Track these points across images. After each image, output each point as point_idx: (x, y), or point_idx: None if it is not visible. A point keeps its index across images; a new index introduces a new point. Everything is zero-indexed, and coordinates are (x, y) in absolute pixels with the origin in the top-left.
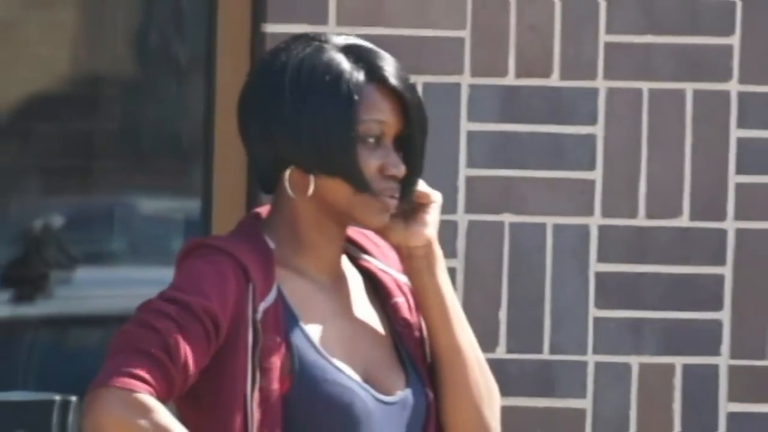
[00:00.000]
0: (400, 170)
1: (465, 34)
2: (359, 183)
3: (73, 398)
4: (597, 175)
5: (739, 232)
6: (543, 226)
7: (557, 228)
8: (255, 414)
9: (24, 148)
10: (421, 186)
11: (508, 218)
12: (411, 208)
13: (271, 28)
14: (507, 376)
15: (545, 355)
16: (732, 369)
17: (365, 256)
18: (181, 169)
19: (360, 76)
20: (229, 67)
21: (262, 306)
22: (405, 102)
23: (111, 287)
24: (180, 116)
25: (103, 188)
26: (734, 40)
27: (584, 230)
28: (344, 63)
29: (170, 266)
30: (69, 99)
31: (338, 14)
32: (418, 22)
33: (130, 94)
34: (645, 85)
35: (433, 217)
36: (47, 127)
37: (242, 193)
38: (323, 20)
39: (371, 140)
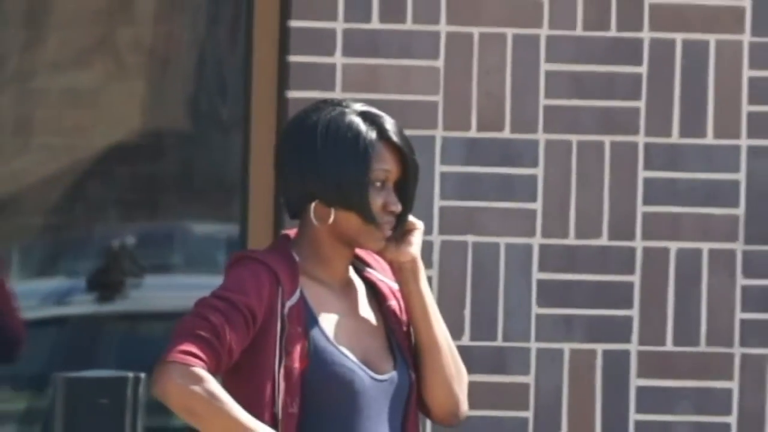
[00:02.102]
0: (398, 208)
1: (438, 98)
2: (368, 216)
3: (142, 375)
4: (538, 205)
5: (645, 250)
6: (497, 244)
7: (508, 246)
8: (281, 385)
9: (106, 185)
10: (409, 217)
11: (471, 238)
12: (401, 233)
13: (292, 94)
14: (470, 358)
15: (499, 342)
16: (640, 353)
17: (368, 269)
18: (225, 201)
19: (373, 135)
20: (260, 124)
21: (288, 304)
22: (404, 156)
23: (171, 290)
24: (223, 161)
25: (165, 216)
26: (641, 104)
27: (528, 247)
28: (361, 125)
29: (216, 275)
30: (139, 148)
31: (343, 83)
32: (402, 89)
33: (185, 144)
34: (574, 138)
35: (417, 240)
36: (123, 169)
37: (270, 220)
38: (332, 88)
39: (378, 184)
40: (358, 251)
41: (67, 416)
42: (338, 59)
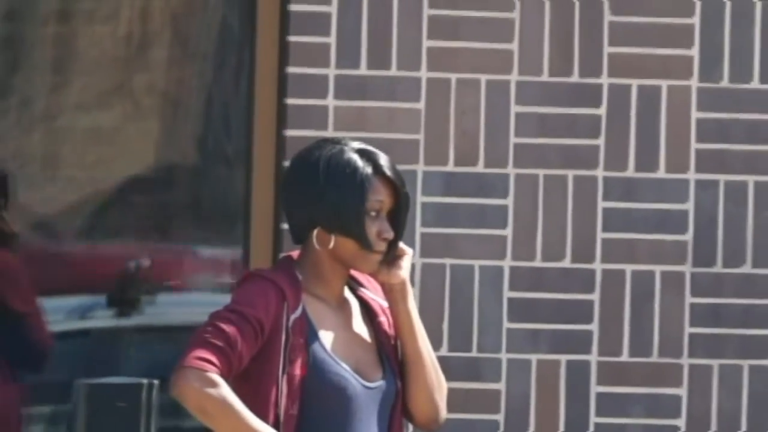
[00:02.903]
0: (391, 235)
1: (420, 136)
2: (365, 243)
3: (156, 382)
4: (508, 232)
5: (604, 271)
6: (472, 266)
7: (482, 267)
8: (283, 389)
9: (123, 213)
10: (399, 243)
11: (449, 261)
12: (392, 258)
13: (290, 132)
14: (448, 367)
15: (474, 353)
16: (599, 363)
17: (361, 288)
18: (229, 227)
19: (369, 170)
20: (261, 159)
21: (292, 317)
22: (396, 188)
23: (180, 307)
24: (228, 192)
25: (176, 240)
26: (600, 141)
27: (500, 269)
28: (359, 161)
29: (221, 293)
30: (153, 180)
31: (335, 123)
32: (387, 128)
33: (194, 176)
34: (541, 172)
35: (406, 264)
36: (138, 199)
37: (270, 244)
38: (325, 127)
39: (373, 213)
40: (353, 272)
41: (89, 418)
42: (330, 101)
